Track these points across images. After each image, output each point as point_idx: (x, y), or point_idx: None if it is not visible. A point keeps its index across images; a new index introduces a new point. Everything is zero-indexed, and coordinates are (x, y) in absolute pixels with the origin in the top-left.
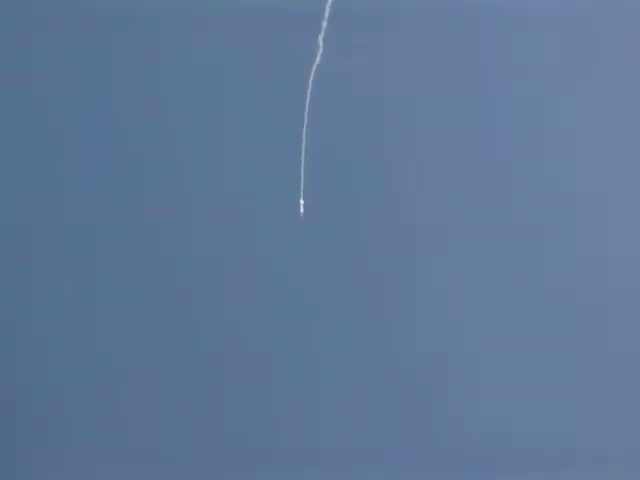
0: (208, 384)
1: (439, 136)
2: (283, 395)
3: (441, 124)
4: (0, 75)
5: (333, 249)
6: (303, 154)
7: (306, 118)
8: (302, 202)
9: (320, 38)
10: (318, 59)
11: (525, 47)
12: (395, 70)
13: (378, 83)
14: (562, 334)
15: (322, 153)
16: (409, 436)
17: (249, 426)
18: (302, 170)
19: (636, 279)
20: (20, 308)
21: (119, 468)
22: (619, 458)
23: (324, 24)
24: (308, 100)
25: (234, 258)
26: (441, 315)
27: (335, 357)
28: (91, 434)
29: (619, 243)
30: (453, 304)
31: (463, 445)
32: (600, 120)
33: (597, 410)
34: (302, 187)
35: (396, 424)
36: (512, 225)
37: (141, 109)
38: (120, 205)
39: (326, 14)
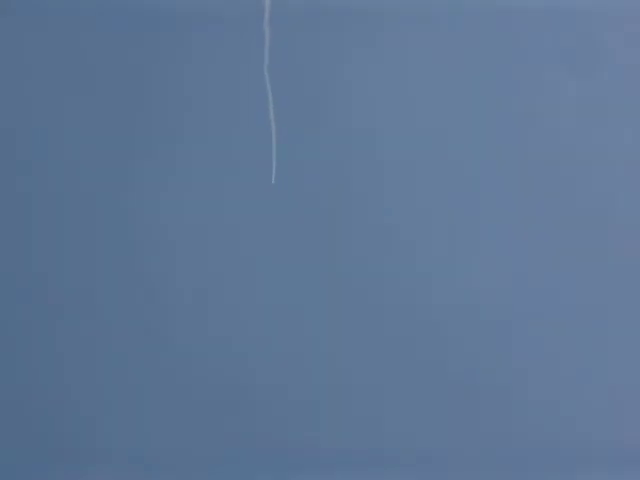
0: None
1: (435, 134)
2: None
3: (436, 124)
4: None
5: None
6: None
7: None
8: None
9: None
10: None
11: (524, 45)
12: (388, 67)
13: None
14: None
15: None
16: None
17: (246, 424)
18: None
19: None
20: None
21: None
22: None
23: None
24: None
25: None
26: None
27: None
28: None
29: (620, 255)
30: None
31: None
32: (601, 120)
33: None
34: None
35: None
36: (507, 223)
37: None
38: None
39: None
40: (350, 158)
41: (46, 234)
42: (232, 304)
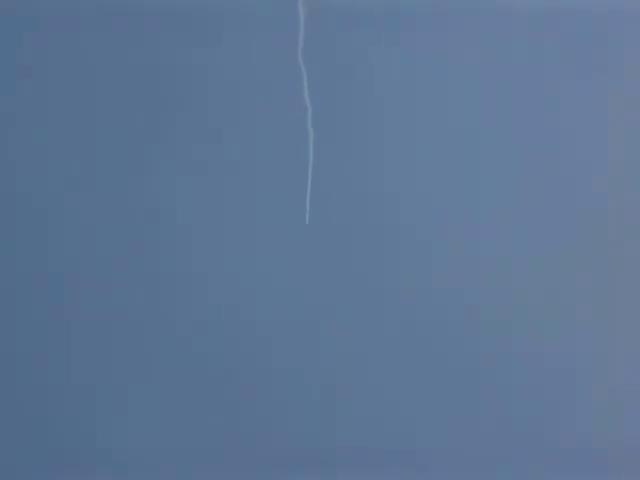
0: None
1: (438, 135)
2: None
3: (439, 122)
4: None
5: (338, 254)
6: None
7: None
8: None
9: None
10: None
11: (525, 44)
12: (391, 67)
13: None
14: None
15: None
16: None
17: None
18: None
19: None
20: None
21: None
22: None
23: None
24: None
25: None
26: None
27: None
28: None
29: (619, 248)
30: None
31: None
32: (601, 119)
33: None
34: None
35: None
36: (510, 225)
37: (138, 108)
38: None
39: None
40: (381, 153)
41: (46, 232)
42: (240, 301)
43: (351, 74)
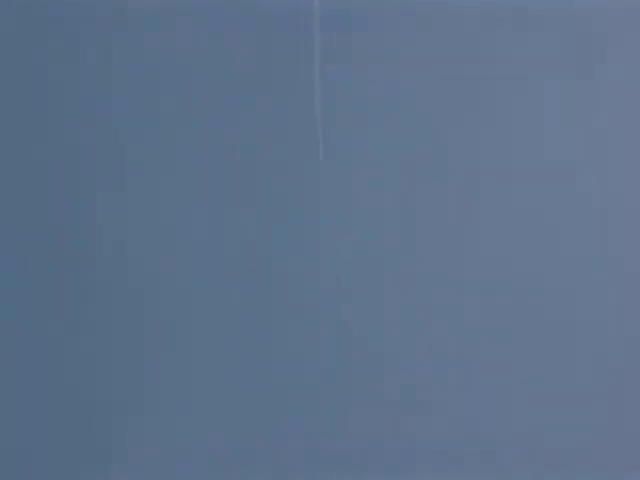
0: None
1: (438, 135)
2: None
3: (438, 124)
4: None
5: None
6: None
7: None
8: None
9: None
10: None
11: (524, 46)
12: (391, 69)
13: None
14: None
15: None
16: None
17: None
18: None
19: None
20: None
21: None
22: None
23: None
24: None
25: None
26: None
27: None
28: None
29: (618, 248)
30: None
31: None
32: (601, 119)
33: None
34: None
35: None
36: (511, 227)
37: (140, 107)
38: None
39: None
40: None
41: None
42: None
43: (366, 76)
